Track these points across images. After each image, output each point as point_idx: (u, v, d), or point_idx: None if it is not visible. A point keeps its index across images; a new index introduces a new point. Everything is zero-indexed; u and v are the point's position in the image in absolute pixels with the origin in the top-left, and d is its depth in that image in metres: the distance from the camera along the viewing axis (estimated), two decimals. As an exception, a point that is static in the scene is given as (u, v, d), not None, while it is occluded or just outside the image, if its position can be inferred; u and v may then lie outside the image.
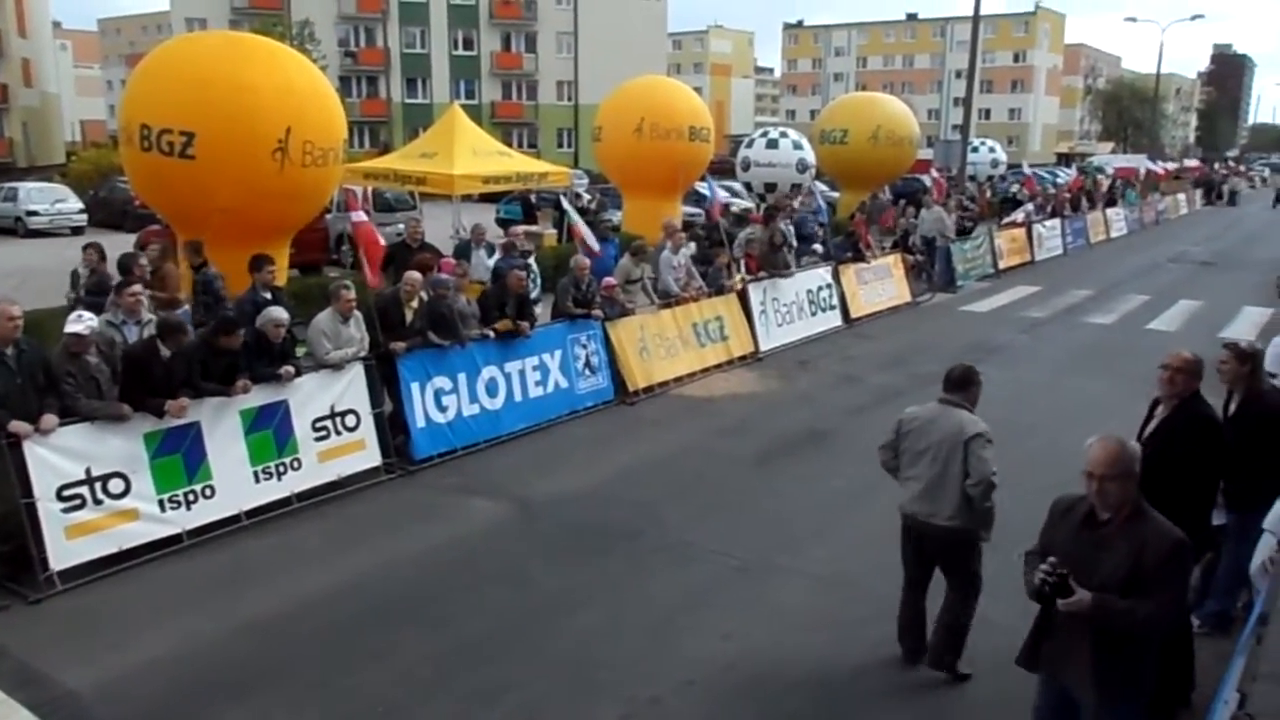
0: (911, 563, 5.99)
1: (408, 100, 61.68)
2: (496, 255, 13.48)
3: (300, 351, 9.10)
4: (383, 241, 10.54)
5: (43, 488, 6.94)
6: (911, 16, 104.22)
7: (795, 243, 17.11)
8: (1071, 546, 4.01)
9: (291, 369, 8.57)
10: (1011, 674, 4.48)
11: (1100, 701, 4.01)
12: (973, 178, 34.95)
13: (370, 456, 9.22)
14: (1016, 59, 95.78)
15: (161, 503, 7.61)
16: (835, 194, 31.05)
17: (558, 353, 11.35)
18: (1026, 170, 33.39)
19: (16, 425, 6.81)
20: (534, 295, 12.35)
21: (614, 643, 6.37)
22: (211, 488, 7.93)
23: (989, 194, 34.97)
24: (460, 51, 63.30)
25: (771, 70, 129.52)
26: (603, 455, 10.19)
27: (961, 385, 5.79)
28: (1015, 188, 34.04)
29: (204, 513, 7.86)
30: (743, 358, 14.08)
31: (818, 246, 18.79)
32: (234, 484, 8.09)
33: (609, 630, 6.54)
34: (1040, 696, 4.41)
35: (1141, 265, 25.45)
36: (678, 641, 6.37)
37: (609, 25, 63.47)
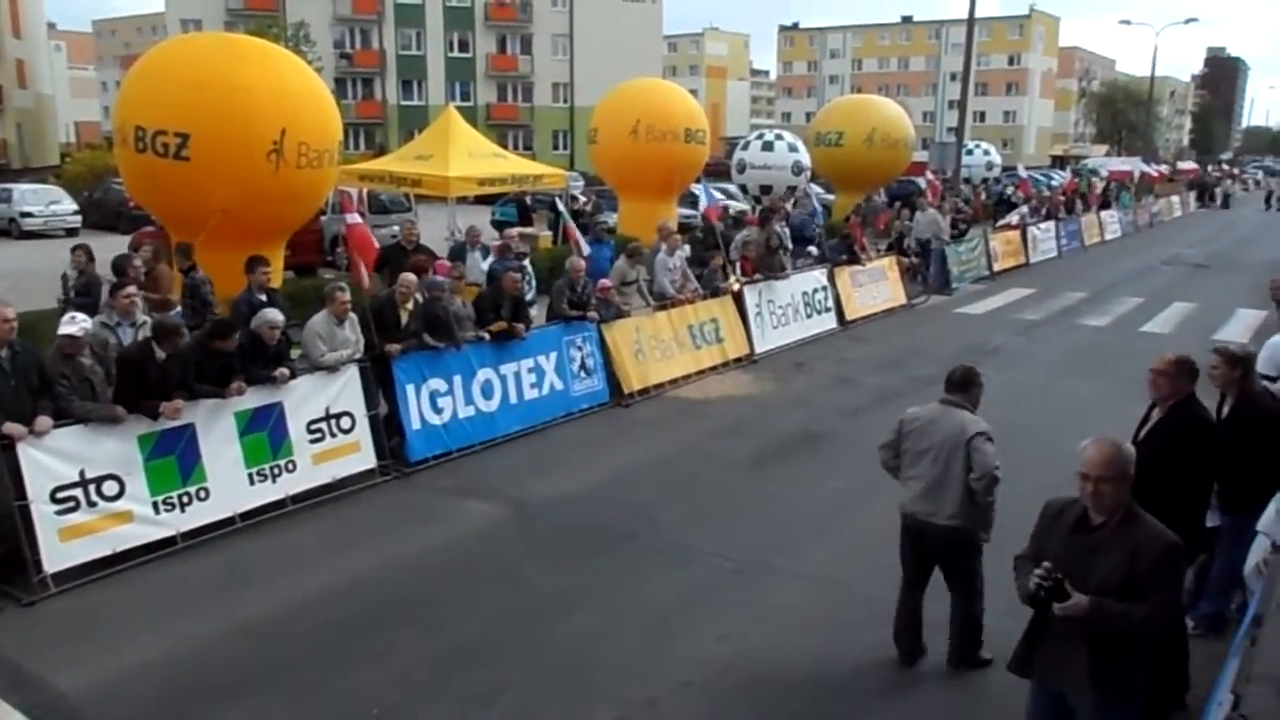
0: (910, 562, 6.01)
1: (403, 102, 61.64)
2: (491, 257, 13.48)
3: (295, 353, 9.09)
4: (376, 244, 10.53)
5: (36, 490, 6.93)
6: (907, 19, 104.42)
7: (791, 245, 17.12)
8: (1064, 550, 4.00)
9: (286, 371, 8.56)
10: (1005, 675, 4.47)
11: (1098, 705, 4.00)
12: (967, 180, 35.00)
13: (365, 458, 9.21)
14: (1011, 62, 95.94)
15: (156, 505, 7.59)
16: (830, 196, 31.08)
17: (553, 355, 11.35)
18: (1022, 173, 33.44)
19: (10, 427, 6.80)
20: (529, 297, 12.35)
21: (610, 644, 6.37)
22: (206, 490, 7.92)
23: (983, 196, 35.02)
24: (456, 53, 63.26)
25: (767, 73, 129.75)
26: (598, 457, 10.19)
27: (963, 386, 5.83)
28: (1010, 189, 34.10)
29: (198, 515, 7.85)
30: (738, 360, 14.09)
31: (813, 249, 18.82)
32: (229, 486, 8.07)
33: (605, 632, 6.54)
34: (1034, 702, 4.40)
35: (1136, 268, 25.51)
36: (674, 643, 6.37)
37: (604, 27, 63.50)
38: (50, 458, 7.03)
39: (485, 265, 13.21)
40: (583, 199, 23.86)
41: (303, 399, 8.74)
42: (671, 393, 12.58)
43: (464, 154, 17.19)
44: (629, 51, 59.30)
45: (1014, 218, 26.73)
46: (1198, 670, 5.41)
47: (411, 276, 10.11)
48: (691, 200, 25.49)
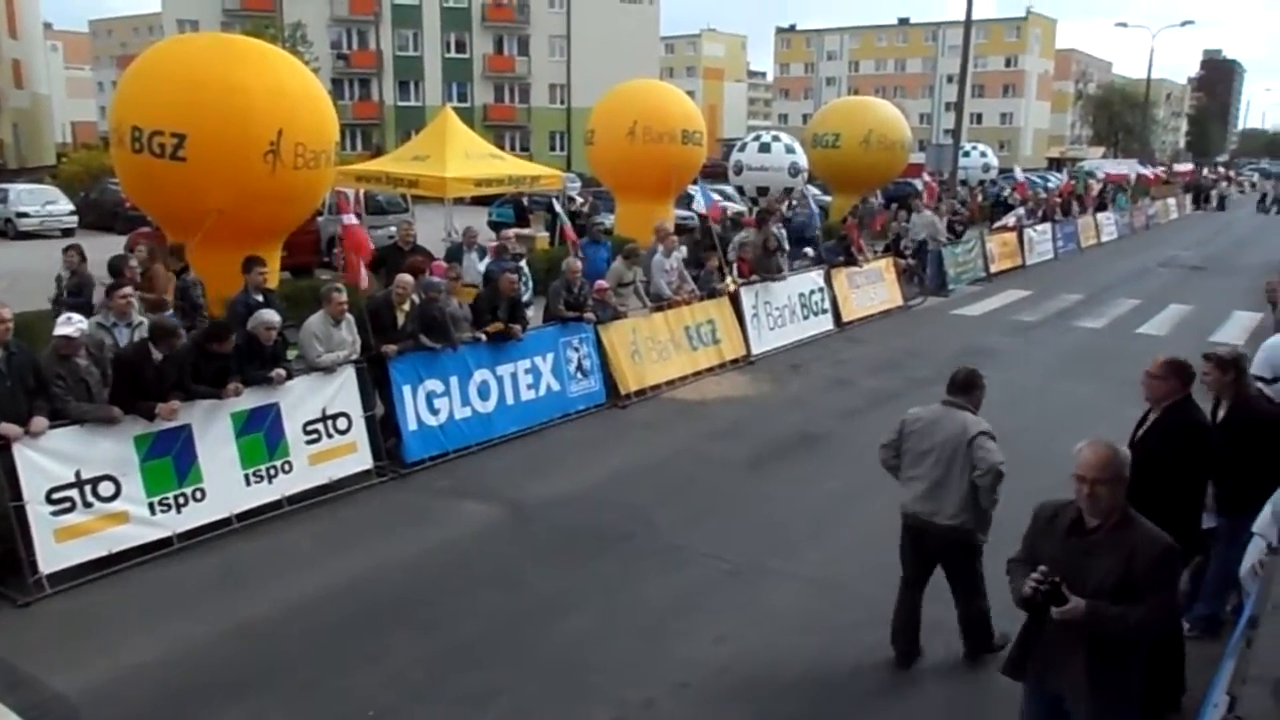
0: (911, 562, 6.03)
1: (400, 103, 61.57)
2: (487, 258, 13.48)
3: (292, 354, 9.08)
4: (371, 245, 10.53)
5: (32, 491, 6.92)
6: (904, 21, 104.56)
7: (788, 246, 17.13)
8: (1059, 554, 3.99)
9: (283, 372, 8.55)
10: (1003, 676, 4.48)
11: (1096, 708, 4.00)
12: (964, 182, 35.04)
13: (362, 459, 9.20)
14: (1008, 64, 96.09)
15: (152, 505, 7.58)
16: (827, 198, 31.11)
17: (549, 356, 11.35)
18: (1019, 176, 33.48)
19: (6, 428, 6.79)
20: (526, 298, 12.34)
21: (606, 646, 6.37)
22: (202, 490, 7.91)
23: (980, 198, 35.05)
24: (453, 54, 63.24)
25: (764, 74, 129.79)
26: (594, 458, 10.19)
27: (965, 388, 5.86)
28: (1007, 191, 34.14)
29: (195, 515, 7.84)
30: (735, 361, 14.10)
31: (809, 250, 18.84)
32: (225, 487, 8.06)
33: (601, 633, 6.54)
34: (1028, 705, 4.39)
35: (1132, 270, 25.55)
36: (670, 645, 6.37)
37: (602, 29, 63.45)
38: (46, 458, 7.02)
39: (482, 266, 13.22)
40: (579, 200, 23.89)
41: (299, 400, 8.73)
42: (668, 394, 12.58)
43: (461, 155, 17.17)
44: (626, 53, 59.28)
45: (1010, 220, 26.74)
46: (1193, 672, 5.42)
47: (408, 277, 10.11)
48: (688, 201, 25.54)
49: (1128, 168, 51.88)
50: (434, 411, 9.91)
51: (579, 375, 11.68)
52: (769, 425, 11.35)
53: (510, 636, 6.44)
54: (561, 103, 65.97)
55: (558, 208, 17.71)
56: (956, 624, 6.11)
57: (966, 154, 37.71)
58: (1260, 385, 6.88)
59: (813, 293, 16.42)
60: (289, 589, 7.09)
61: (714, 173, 34.42)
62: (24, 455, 6.89)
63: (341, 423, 9.05)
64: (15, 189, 30.61)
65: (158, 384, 7.57)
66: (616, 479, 9.54)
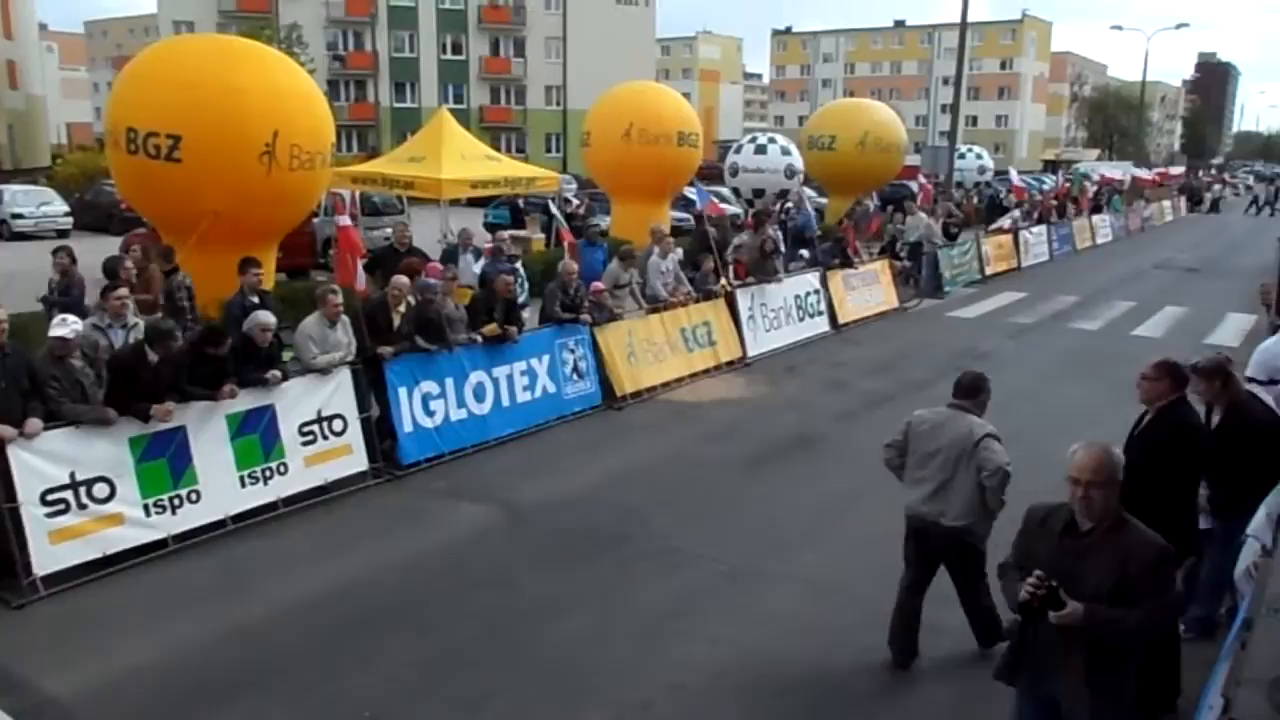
0: (914, 563, 6.05)
1: (396, 104, 61.54)
2: (483, 260, 13.47)
3: (287, 356, 9.07)
4: (363, 247, 10.52)
5: (26, 492, 6.90)
6: (899, 23, 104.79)
7: (783, 249, 17.14)
8: (1053, 557, 3.96)
9: (278, 373, 8.53)
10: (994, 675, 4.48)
11: (1095, 709, 3.99)
12: (959, 184, 35.08)
13: (357, 461, 9.19)
14: (1003, 66, 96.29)
15: (147, 507, 7.57)
16: (823, 200, 31.13)
17: (545, 357, 11.34)
18: (1015, 180, 33.53)
19: (0, 429, 6.77)
20: (522, 300, 12.35)
21: (602, 648, 6.37)
22: (197, 492, 7.90)
23: (975, 200, 35.07)
24: (449, 56, 63.19)
25: (760, 76, 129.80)
26: (590, 460, 10.19)
27: (971, 392, 5.90)
28: (1003, 193, 34.19)
29: (190, 517, 7.82)
30: (730, 363, 14.10)
31: (804, 252, 18.85)
32: (220, 489, 8.05)
33: (597, 635, 6.53)
34: (1020, 709, 4.39)
35: (1127, 271, 25.61)
36: (666, 646, 6.37)
37: (598, 31, 63.48)
38: (41, 460, 7.01)
39: (477, 268, 13.21)
40: (575, 202, 23.88)
41: (295, 401, 8.72)
42: (664, 396, 12.58)
43: (457, 156, 17.18)
44: (622, 55, 59.31)
45: (1006, 222, 26.81)
46: (1188, 674, 5.42)
47: (404, 279, 10.10)
48: (685, 203, 25.55)
49: (1122, 171, 51.97)
50: (430, 413, 9.90)
51: (575, 377, 11.67)
52: (765, 427, 11.35)
53: (506, 638, 6.44)
54: (557, 104, 65.98)
55: (554, 209, 17.71)
56: (953, 625, 6.13)
57: (962, 156, 37.69)
58: (1255, 387, 6.89)
59: (809, 295, 16.43)
60: (284, 591, 7.08)
61: (710, 174, 34.42)
62: (18, 457, 6.87)
63: (337, 424, 9.04)
64: (10, 190, 30.54)
65: (153, 386, 7.56)
66: (612, 481, 9.53)
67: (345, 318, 9.28)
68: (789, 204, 24.10)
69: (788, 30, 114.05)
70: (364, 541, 8.01)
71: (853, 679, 6.02)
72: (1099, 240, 32.05)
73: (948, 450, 5.72)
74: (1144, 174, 49.43)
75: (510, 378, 10.83)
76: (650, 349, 12.78)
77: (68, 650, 6.22)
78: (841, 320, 16.99)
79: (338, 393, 9.09)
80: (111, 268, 10.15)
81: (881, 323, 17.85)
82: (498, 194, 21.94)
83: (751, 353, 14.55)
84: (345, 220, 10.35)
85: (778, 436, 10.97)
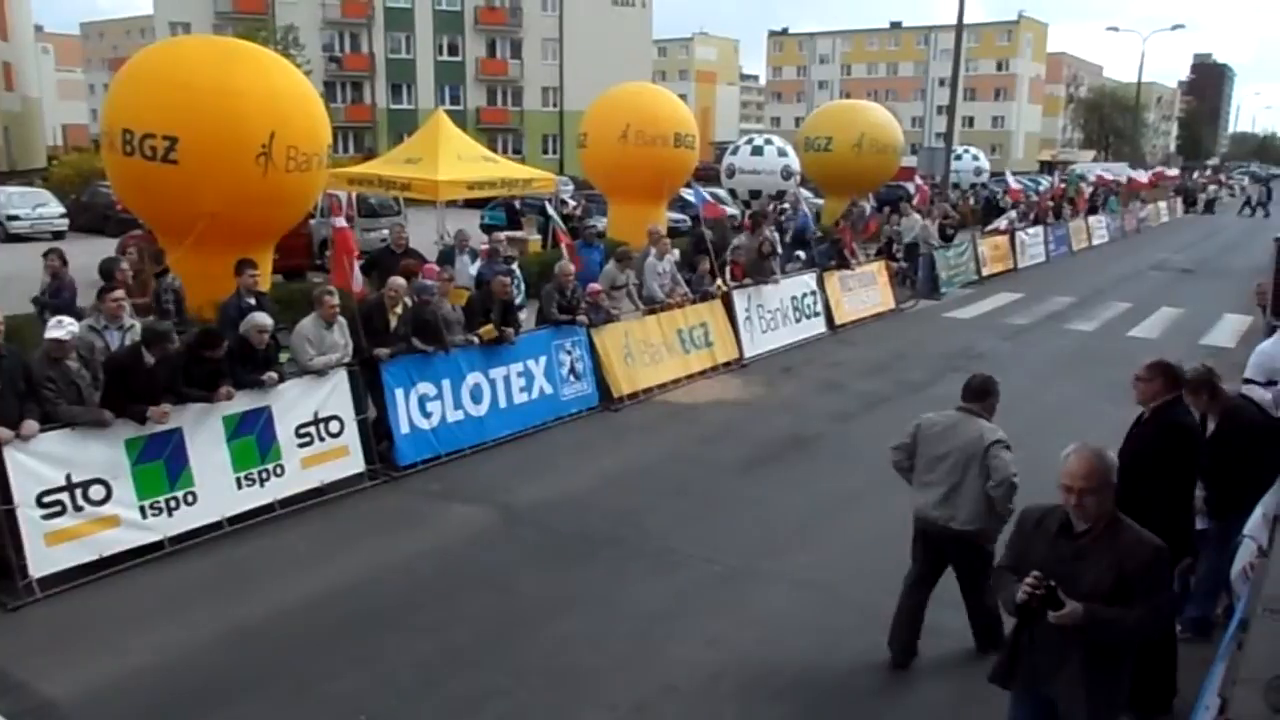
0: (922, 563, 6.06)
1: (393, 106, 61.55)
2: (480, 261, 13.46)
3: (284, 357, 9.06)
4: (356, 249, 10.51)
5: (22, 494, 6.89)
6: (895, 25, 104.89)
7: (781, 250, 17.15)
8: (1049, 559, 3.95)
9: (275, 375, 8.53)
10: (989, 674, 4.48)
11: (1093, 710, 3.99)
12: (955, 185, 35.11)
13: (354, 463, 9.18)
14: (999, 67, 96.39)
15: (143, 509, 7.56)
16: (819, 201, 31.15)
17: (542, 359, 11.34)
18: (1011, 182, 33.57)
19: (-4, 431, 6.77)
20: (518, 301, 12.33)
21: (598, 649, 6.36)
22: (194, 494, 7.89)
23: (971, 201, 35.08)
24: (445, 57, 63.20)
25: (756, 77, 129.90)
26: (587, 461, 10.18)
27: (981, 395, 5.91)
28: (1000, 194, 34.21)
29: (186, 519, 7.81)
30: (727, 364, 14.10)
31: (801, 253, 18.87)
32: (216, 490, 8.04)
33: (593, 636, 6.53)
34: (1016, 711, 4.39)
35: (1123, 272, 25.64)
36: (662, 647, 6.37)
37: (594, 32, 63.52)
38: (36, 461, 6.99)
39: (474, 269, 13.19)
40: (572, 203, 23.87)
41: (291, 403, 8.71)
42: (660, 397, 12.58)
43: (453, 157, 17.17)
44: (619, 56, 59.37)
45: (1002, 223, 26.82)
46: (1184, 674, 5.43)
47: (400, 280, 10.09)
48: (682, 204, 25.56)
49: (1117, 172, 52.02)
50: (426, 415, 9.89)
51: (571, 378, 11.67)
52: (761, 428, 11.36)
53: (502, 639, 6.44)
54: (554, 106, 65.99)
55: (550, 211, 17.68)
56: (952, 626, 6.13)
57: (958, 157, 37.76)
58: (1253, 388, 6.91)
59: (805, 296, 16.44)
60: (281, 593, 7.07)
61: (706, 176, 34.44)
62: (14, 458, 6.86)
63: (334, 426, 9.03)
64: (6, 192, 30.46)
65: (149, 387, 7.55)
66: (609, 482, 9.53)
67: (342, 319, 9.27)
68: (785, 205, 24.11)
69: (784, 31, 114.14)
70: (361, 543, 8.01)
71: (849, 679, 6.03)
72: (1095, 241, 32.09)
73: (957, 454, 5.71)
74: (1140, 175, 49.37)
75: (507, 379, 10.83)
76: (647, 350, 12.78)
77: (64, 652, 6.21)
78: (838, 321, 17.01)
79: (334, 394, 9.08)
80: (108, 269, 10.13)
81: (878, 324, 17.86)
82: (494, 195, 21.93)
83: (748, 354, 14.56)
84: (341, 222, 10.34)
85: (774, 437, 10.97)
